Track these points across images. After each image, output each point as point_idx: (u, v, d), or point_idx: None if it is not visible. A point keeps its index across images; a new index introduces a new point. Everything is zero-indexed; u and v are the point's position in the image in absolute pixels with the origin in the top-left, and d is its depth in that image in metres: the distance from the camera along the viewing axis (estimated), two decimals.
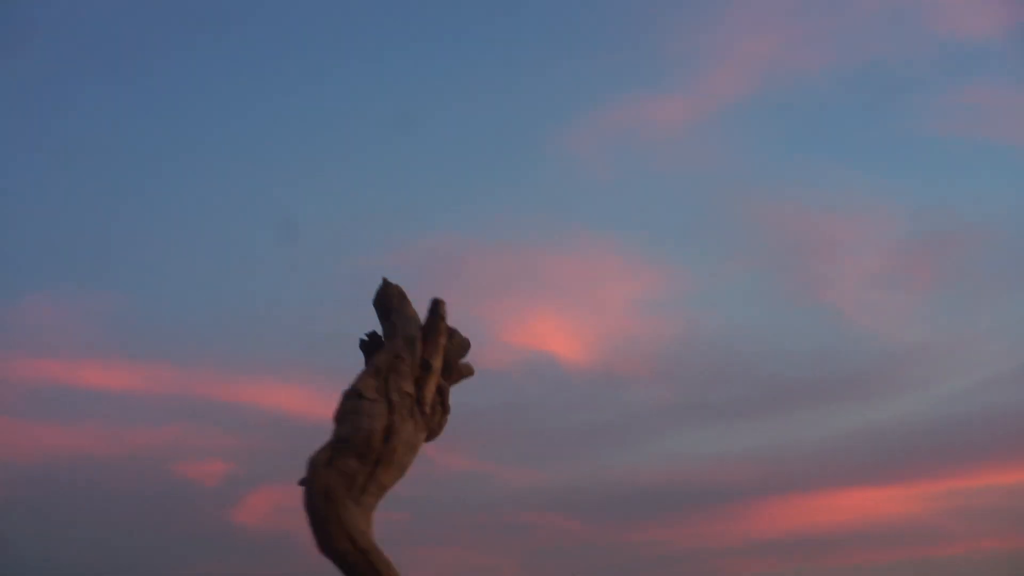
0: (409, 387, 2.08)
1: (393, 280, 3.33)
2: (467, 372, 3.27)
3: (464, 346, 3.29)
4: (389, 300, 3.77)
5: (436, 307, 2.87)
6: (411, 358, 2.59)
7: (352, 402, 2.18)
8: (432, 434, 2.88)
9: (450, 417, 3.19)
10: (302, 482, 3.73)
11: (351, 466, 1.89)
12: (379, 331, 4.10)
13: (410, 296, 3.81)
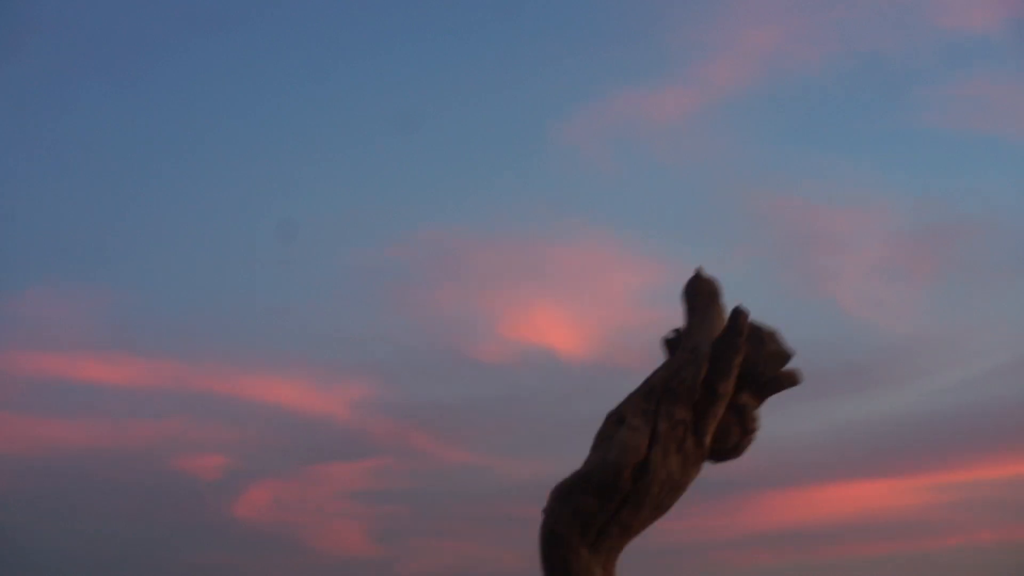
0: (684, 413, 1.64)
1: (703, 278, 2.37)
2: (789, 382, 2.43)
3: (782, 357, 2.43)
4: (694, 297, 2.92)
5: (735, 319, 2.15)
6: (693, 377, 1.96)
7: (610, 427, 1.71)
8: (725, 457, 2.17)
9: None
10: (543, 511, 3.42)
11: (589, 505, 1.56)
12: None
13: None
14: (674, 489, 1.44)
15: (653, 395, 1.53)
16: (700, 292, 2.41)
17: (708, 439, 1.42)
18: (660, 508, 1.44)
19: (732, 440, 1.54)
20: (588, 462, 1.69)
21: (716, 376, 1.51)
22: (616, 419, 1.56)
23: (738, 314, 1.63)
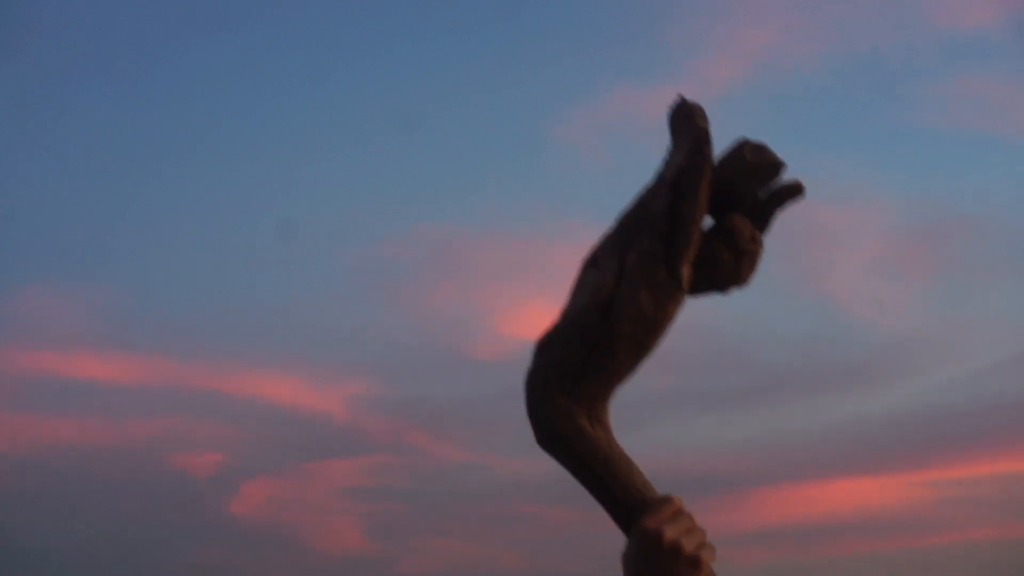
0: (653, 244, 1.45)
1: (685, 103, 1.94)
2: (789, 194, 1.91)
3: (767, 168, 1.89)
4: (675, 124, 2.31)
5: (695, 134, 1.73)
6: (659, 205, 1.67)
7: (586, 271, 1.54)
8: (723, 285, 1.81)
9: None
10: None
11: (563, 352, 1.46)
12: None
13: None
14: (649, 325, 1.34)
15: (623, 231, 1.43)
16: (680, 118, 2.04)
17: (683, 269, 1.32)
18: (638, 347, 1.34)
19: (725, 266, 1.39)
20: (563, 311, 1.57)
21: (681, 200, 1.38)
22: (591, 262, 1.46)
23: (697, 130, 1.40)
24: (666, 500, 1.41)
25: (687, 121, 1.60)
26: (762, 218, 1.64)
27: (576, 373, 1.58)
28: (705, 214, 1.58)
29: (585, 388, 1.58)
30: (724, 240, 1.62)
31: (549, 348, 1.62)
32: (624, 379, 1.60)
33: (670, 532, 1.36)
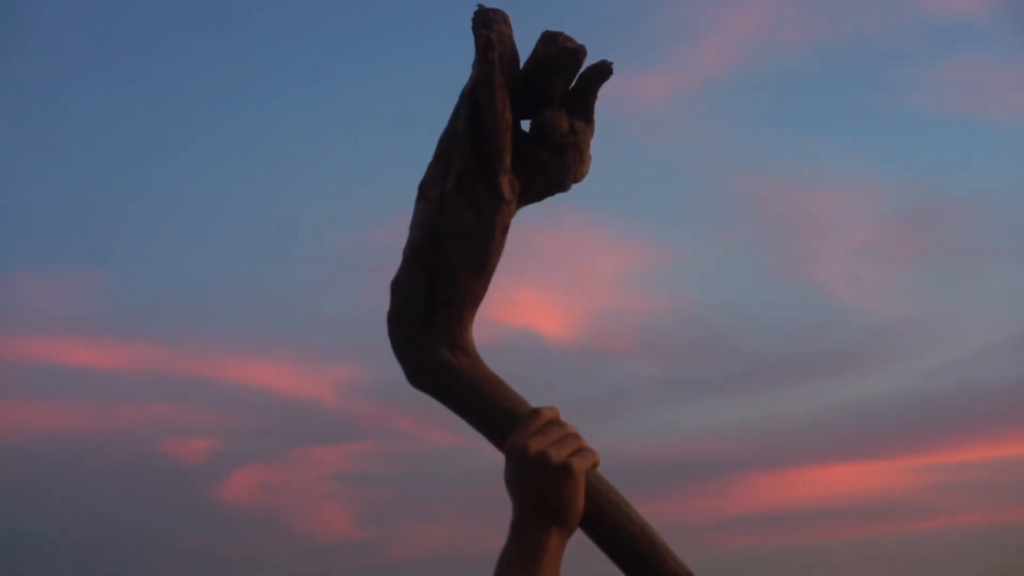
0: (466, 162, 1.35)
1: (483, 9, 1.72)
2: (599, 76, 1.70)
3: (565, 57, 1.67)
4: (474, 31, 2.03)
5: (480, 47, 1.54)
6: (462, 121, 1.53)
7: (415, 209, 1.43)
8: (555, 186, 1.63)
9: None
10: None
11: (405, 291, 1.39)
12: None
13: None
14: (479, 242, 1.27)
15: (440, 157, 1.35)
16: (474, 29, 1.76)
17: (501, 179, 1.25)
18: (474, 266, 1.27)
19: (550, 165, 1.31)
20: (403, 250, 1.49)
21: (480, 109, 1.29)
22: (418, 196, 1.39)
23: (478, 36, 1.25)
24: (533, 413, 1.40)
25: (475, 31, 1.56)
26: (581, 108, 1.60)
27: (426, 307, 1.56)
28: (509, 119, 1.54)
29: (438, 319, 1.57)
30: (540, 139, 1.58)
31: (398, 288, 1.60)
32: (476, 301, 1.58)
33: (535, 443, 1.35)
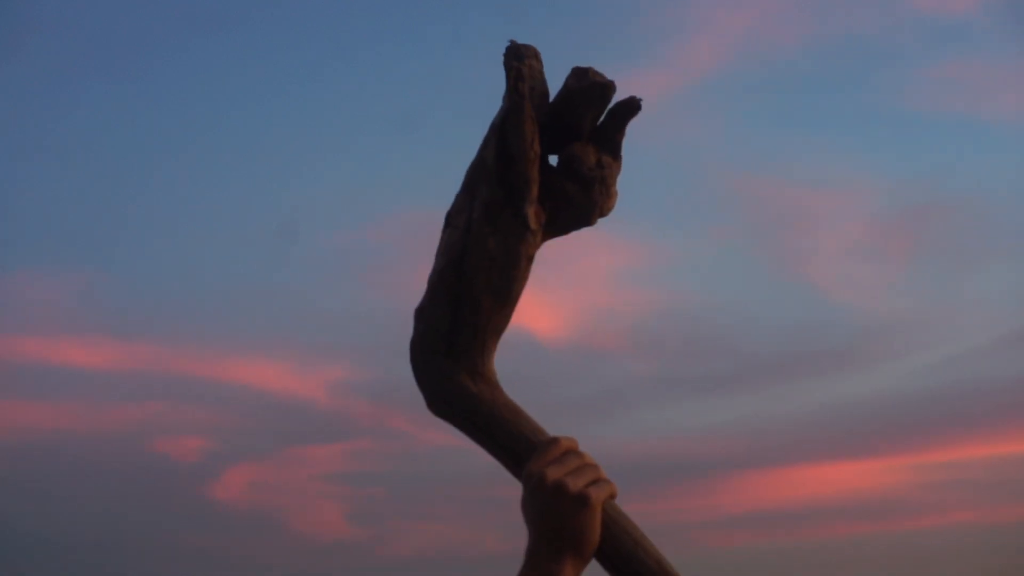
0: (493, 192, 1.36)
1: (515, 45, 1.67)
2: (628, 111, 1.65)
3: (593, 92, 1.61)
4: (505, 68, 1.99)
5: (510, 79, 1.51)
6: (490, 152, 1.52)
7: (441, 236, 1.42)
8: (580, 219, 1.61)
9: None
10: None
11: (430, 316, 1.38)
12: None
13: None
14: (503, 271, 1.28)
15: (468, 186, 1.36)
16: (505, 63, 1.76)
17: (527, 209, 1.26)
18: (499, 295, 1.28)
19: (576, 198, 1.31)
20: (429, 276, 1.49)
21: (509, 141, 1.30)
22: (445, 223, 1.39)
23: (509, 68, 1.25)
24: (551, 442, 1.40)
25: (506, 64, 1.57)
26: (608, 143, 1.61)
27: (448, 333, 1.57)
28: (538, 150, 1.55)
29: (461, 346, 1.57)
30: (567, 172, 1.59)
31: (422, 314, 1.61)
32: (499, 329, 1.59)
33: (552, 472, 1.35)
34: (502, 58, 1.59)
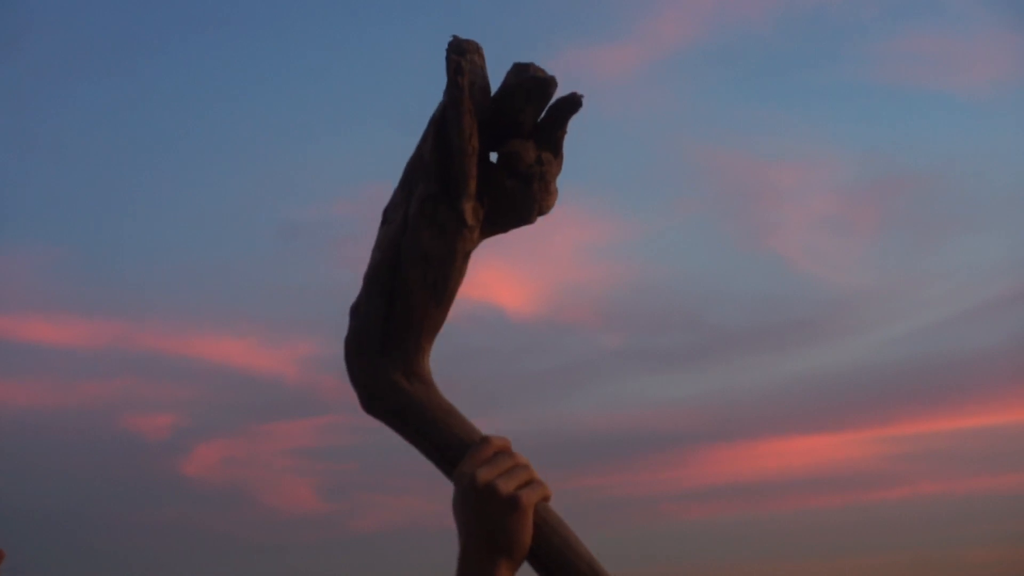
0: (430, 187, 1.32)
1: (457, 40, 1.58)
2: (568, 108, 1.57)
3: (534, 87, 1.46)
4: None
5: (450, 72, 1.44)
6: (428, 146, 1.47)
7: (378, 232, 1.38)
8: (519, 216, 1.55)
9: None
10: None
11: (363, 314, 1.36)
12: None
13: None
14: (439, 268, 1.25)
15: (406, 182, 1.33)
16: (447, 57, 1.63)
17: (464, 204, 1.23)
18: (434, 292, 1.25)
19: (515, 194, 1.28)
20: (364, 274, 1.45)
21: (447, 134, 1.27)
22: (382, 220, 1.36)
23: (448, 61, 1.21)
24: (483, 442, 1.37)
25: (447, 57, 1.55)
26: (549, 140, 1.59)
27: (382, 331, 1.54)
28: (476, 145, 1.52)
29: (395, 344, 1.54)
30: (506, 169, 1.57)
31: (356, 312, 1.58)
32: (434, 328, 1.56)
33: (483, 473, 1.32)
34: (444, 54, 1.57)
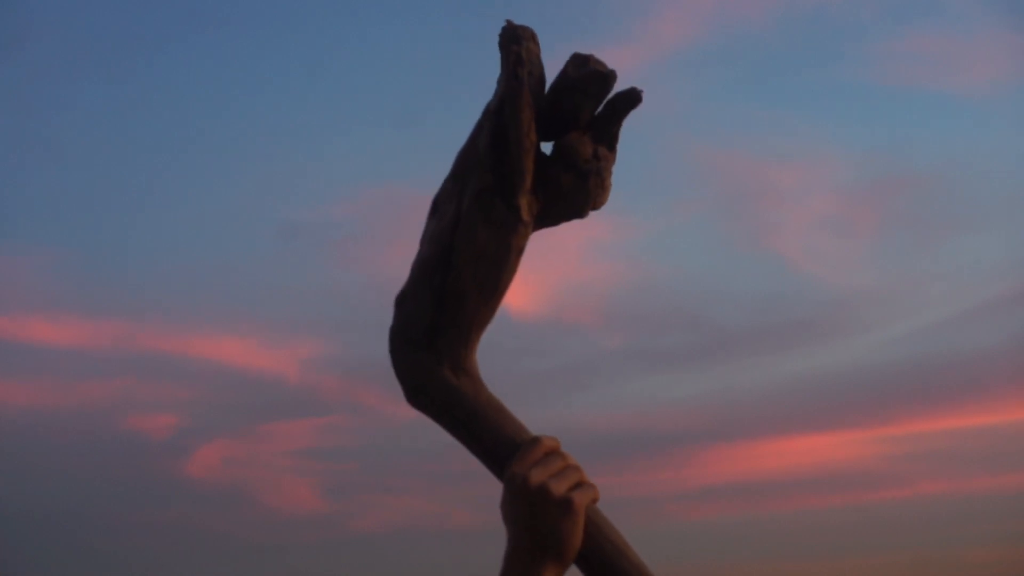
0: (486, 180, 1.28)
1: (511, 26, 1.53)
2: (626, 104, 1.53)
3: (594, 80, 1.43)
4: (502, 51, 1.76)
5: (508, 64, 1.39)
6: (484, 139, 1.41)
7: (427, 223, 1.32)
8: (574, 211, 1.50)
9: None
10: None
11: (412, 307, 1.33)
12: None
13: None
14: (492, 264, 1.23)
15: (458, 173, 1.31)
16: (502, 46, 1.55)
17: (520, 200, 1.21)
18: (486, 288, 1.23)
19: (570, 189, 1.26)
20: (412, 264, 1.41)
21: (505, 127, 1.25)
22: (432, 211, 1.34)
23: (507, 53, 1.18)
24: (534, 442, 1.37)
25: (503, 48, 1.52)
26: (605, 134, 1.57)
27: (431, 325, 1.51)
28: (534, 139, 1.49)
29: (443, 339, 1.52)
30: (563, 162, 1.54)
31: (403, 303, 1.55)
32: (483, 323, 1.53)
33: (536, 475, 1.32)
34: (498, 40, 1.54)
